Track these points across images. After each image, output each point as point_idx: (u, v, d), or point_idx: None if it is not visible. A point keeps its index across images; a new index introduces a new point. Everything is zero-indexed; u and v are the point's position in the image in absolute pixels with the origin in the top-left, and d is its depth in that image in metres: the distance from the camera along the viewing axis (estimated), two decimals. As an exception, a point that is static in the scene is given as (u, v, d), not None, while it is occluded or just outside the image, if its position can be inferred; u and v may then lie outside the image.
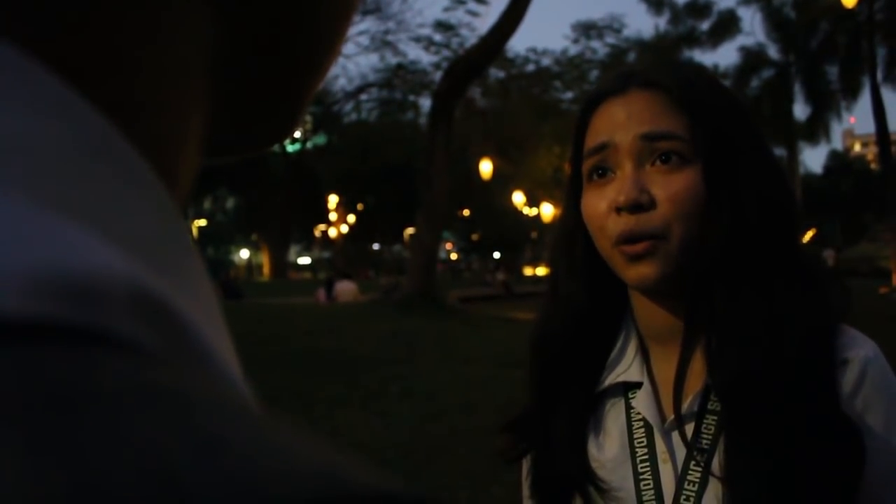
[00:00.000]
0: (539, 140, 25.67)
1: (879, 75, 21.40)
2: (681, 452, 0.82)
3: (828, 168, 49.58)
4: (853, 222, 42.90)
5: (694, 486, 0.80)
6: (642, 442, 0.85)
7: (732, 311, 0.78)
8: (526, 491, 0.93)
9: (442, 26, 24.90)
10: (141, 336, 0.14)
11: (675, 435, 0.82)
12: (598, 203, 0.82)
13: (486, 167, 24.38)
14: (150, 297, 0.14)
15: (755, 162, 0.81)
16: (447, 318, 11.02)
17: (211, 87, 0.22)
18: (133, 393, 0.12)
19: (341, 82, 29.46)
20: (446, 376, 6.52)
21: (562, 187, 0.95)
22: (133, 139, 0.17)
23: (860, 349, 0.79)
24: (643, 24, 32.63)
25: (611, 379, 0.88)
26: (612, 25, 27.35)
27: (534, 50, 26.59)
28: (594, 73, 26.31)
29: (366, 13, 23.91)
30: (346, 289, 16.49)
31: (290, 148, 31.59)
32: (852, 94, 24.40)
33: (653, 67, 0.85)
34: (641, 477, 0.84)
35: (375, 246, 44.87)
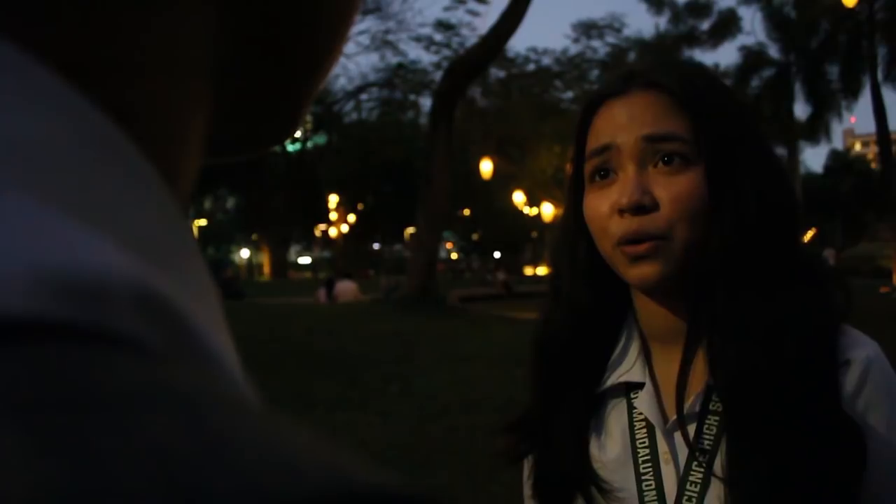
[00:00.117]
0: (539, 140, 25.69)
1: (880, 75, 21.42)
2: (683, 453, 0.82)
3: (828, 168, 49.47)
4: (854, 222, 42.86)
5: (696, 486, 0.80)
6: (644, 442, 0.85)
7: (734, 311, 0.78)
8: (528, 491, 0.93)
9: (442, 26, 24.95)
10: (145, 335, 0.14)
11: (678, 435, 0.82)
12: (601, 204, 0.82)
13: (486, 167, 24.40)
14: (154, 296, 0.14)
15: (757, 162, 0.81)
16: (447, 318, 11.00)
17: (212, 87, 0.22)
18: (138, 392, 0.12)
19: (341, 82, 29.49)
20: (446, 376, 6.51)
21: (562, 187, 0.95)
22: (135, 139, 0.17)
23: (862, 350, 0.78)
24: (643, 23, 32.61)
25: (613, 379, 0.88)
26: (613, 25, 27.43)
27: (534, 49, 26.65)
28: (594, 73, 26.35)
29: (366, 12, 23.89)
30: (346, 289, 16.45)
31: (290, 148, 31.55)
32: (853, 93, 24.37)
33: (654, 68, 0.84)
34: (643, 477, 0.84)
35: (376, 246, 44.86)
